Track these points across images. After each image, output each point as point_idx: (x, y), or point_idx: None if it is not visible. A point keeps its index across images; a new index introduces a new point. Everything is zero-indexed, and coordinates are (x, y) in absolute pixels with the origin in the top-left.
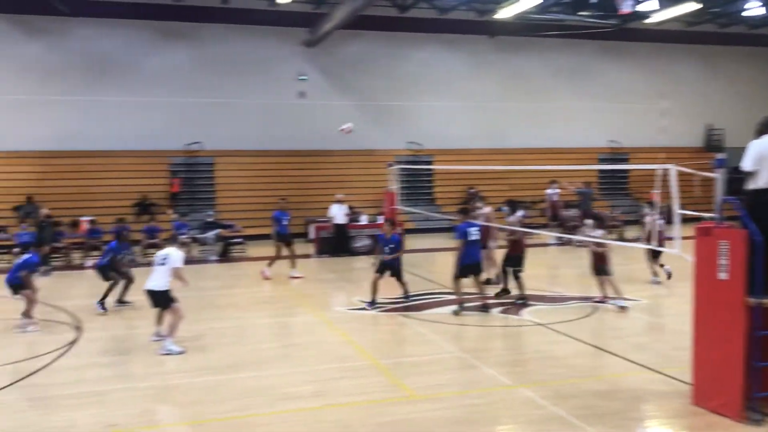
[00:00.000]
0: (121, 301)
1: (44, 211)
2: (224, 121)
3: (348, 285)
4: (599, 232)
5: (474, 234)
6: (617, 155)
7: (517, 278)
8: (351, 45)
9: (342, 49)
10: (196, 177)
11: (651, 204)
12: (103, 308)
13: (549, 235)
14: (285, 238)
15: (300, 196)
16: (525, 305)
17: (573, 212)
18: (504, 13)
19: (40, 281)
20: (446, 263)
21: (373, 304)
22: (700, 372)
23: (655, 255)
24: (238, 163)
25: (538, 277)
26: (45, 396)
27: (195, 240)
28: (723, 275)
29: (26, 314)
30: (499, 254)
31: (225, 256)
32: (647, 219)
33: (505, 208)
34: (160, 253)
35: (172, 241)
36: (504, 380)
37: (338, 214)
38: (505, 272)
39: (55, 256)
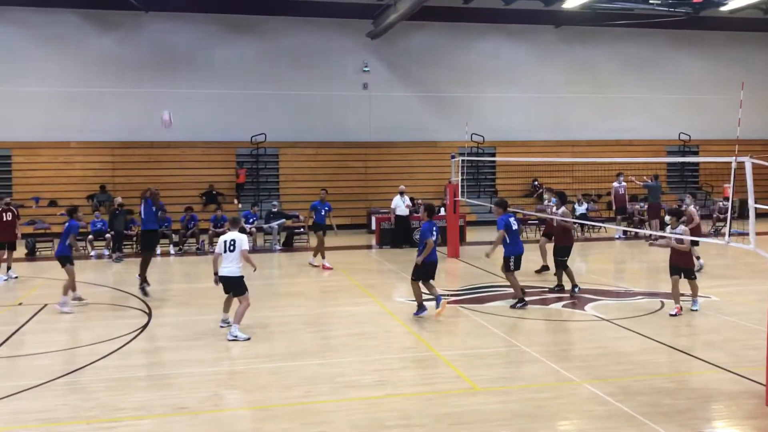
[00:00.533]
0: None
1: (118, 199)
2: (289, 112)
3: (409, 276)
4: (681, 228)
5: (515, 224)
6: (687, 148)
7: (565, 267)
8: (414, 36)
9: (406, 40)
10: (261, 168)
11: (725, 199)
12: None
13: (615, 228)
14: (320, 228)
15: (362, 187)
16: (576, 295)
17: (639, 206)
18: (571, 3)
19: (112, 267)
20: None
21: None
22: None
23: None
24: (302, 154)
25: (603, 271)
26: (118, 377)
27: (260, 229)
28: None
29: (66, 290)
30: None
31: (289, 246)
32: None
33: (554, 200)
34: (226, 239)
35: (233, 225)
36: (568, 375)
37: (400, 205)
38: (557, 265)
39: (127, 243)
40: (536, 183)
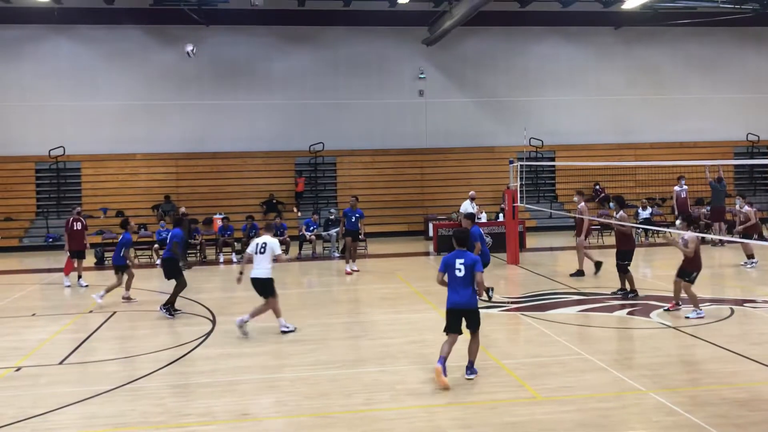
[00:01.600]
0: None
1: (182, 209)
2: (346, 121)
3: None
4: (689, 234)
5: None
6: (756, 148)
7: (626, 272)
8: (470, 41)
9: (461, 45)
10: (320, 176)
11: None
12: None
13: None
14: (352, 234)
15: (419, 194)
16: (636, 299)
17: (705, 210)
18: (630, 3)
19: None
20: (569, 261)
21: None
22: None
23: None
24: (359, 162)
25: (668, 277)
26: (184, 384)
27: (319, 237)
28: None
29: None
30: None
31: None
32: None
33: (612, 205)
34: (258, 242)
35: (266, 229)
36: (634, 384)
37: (470, 210)
38: (619, 269)
39: (192, 252)
40: (598, 187)
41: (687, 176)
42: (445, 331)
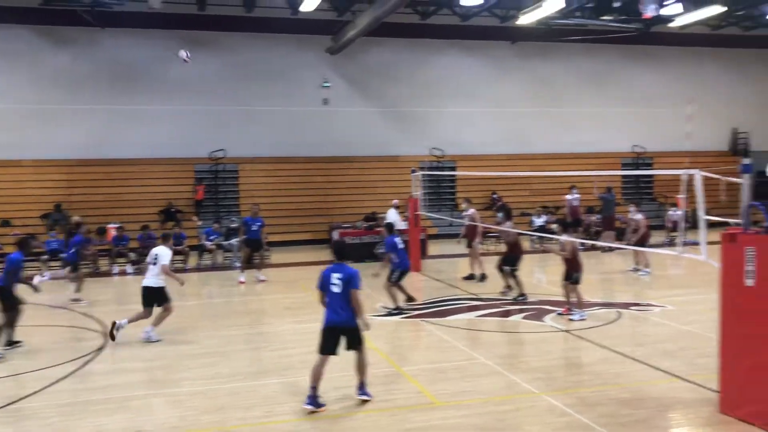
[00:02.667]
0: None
1: (75, 218)
2: (248, 128)
3: (372, 291)
4: (564, 238)
5: (400, 243)
6: (641, 160)
7: (514, 276)
8: (374, 52)
9: (365, 55)
10: (221, 184)
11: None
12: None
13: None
14: (253, 244)
15: (324, 202)
16: (525, 302)
17: (594, 218)
18: (526, 19)
19: (69, 287)
20: (469, 268)
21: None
22: (727, 380)
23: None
24: (262, 169)
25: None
26: (73, 402)
27: (219, 246)
28: (749, 282)
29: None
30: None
31: (249, 263)
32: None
33: (500, 215)
34: (152, 252)
35: (163, 240)
36: (528, 387)
37: (396, 219)
38: (501, 271)
39: (83, 263)
40: (495, 196)
41: (578, 186)
42: (318, 351)
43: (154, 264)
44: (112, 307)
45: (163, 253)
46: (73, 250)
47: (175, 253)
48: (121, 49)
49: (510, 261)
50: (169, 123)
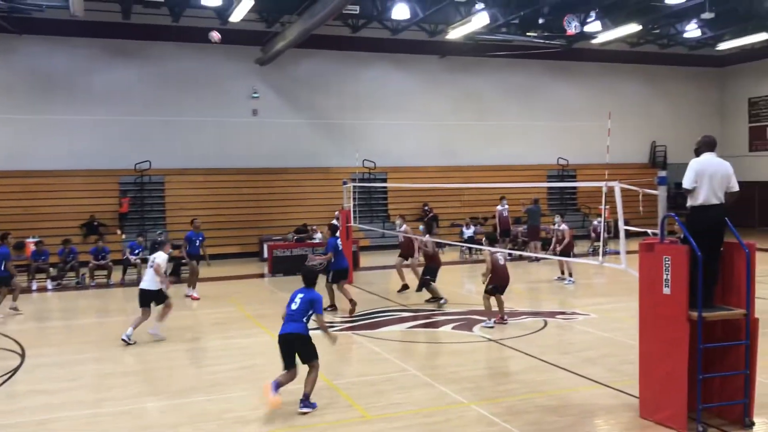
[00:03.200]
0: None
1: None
2: (175, 139)
3: None
4: (485, 251)
5: (341, 245)
6: (565, 172)
7: (428, 285)
8: (304, 63)
9: (295, 67)
10: (146, 196)
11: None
12: None
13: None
14: (195, 258)
15: (254, 214)
16: (445, 304)
17: (522, 228)
18: (454, 34)
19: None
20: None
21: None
22: (646, 385)
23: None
24: (190, 181)
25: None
26: None
27: (145, 261)
28: (666, 290)
29: None
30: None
31: (176, 277)
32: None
33: (422, 228)
34: (152, 257)
35: (161, 245)
36: (457, 397)
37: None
38: (423, 282)
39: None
40: (427, 208)
41: (508, 197)
42: (283, 367)
43: (151, 267)
44: (30, 325)
45: (159, 256)
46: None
47: (98, 267)
48: (40, 57)
49: (430, 271)
50: (91, 133)
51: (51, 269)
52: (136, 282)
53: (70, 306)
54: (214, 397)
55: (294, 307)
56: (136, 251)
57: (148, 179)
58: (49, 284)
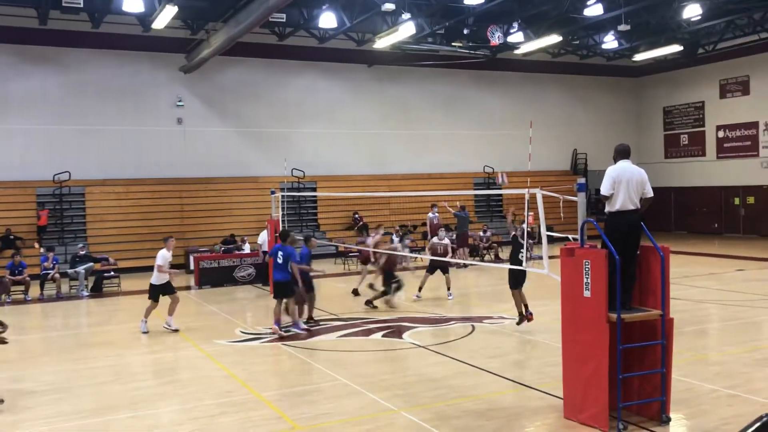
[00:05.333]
0: None
1: None
2: (96, 149)
3: (231, 317)
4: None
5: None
6: (491, 179)
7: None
8: (231, 71)
9: (222, 75)
10: (66, 208)
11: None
12: None
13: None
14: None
15: (179, 225)
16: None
17: (451, 235)
18: (381, 43)
19: None
20: (332, 288)
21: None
22: (569, 386)
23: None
24: (111, 192)
25: (419, 299)
26: None
27: (64, 275)
28: (587, 293)
29: None
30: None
31: (98, 291)
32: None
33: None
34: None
35: (164, 242)
36: (387, 405)
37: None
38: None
39: None
40: (357, 216)
41: (438, 204)
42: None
43: (280, 263)
44: None
45: (160, 254)
46: None
47: (15, 283)
48: None
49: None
50: (6, 143)
51: None
52: (56, 297)
53: None
54: (139, 413)
55: (279, 261)
56: (53, 265)
57: (67, 190)
58: None
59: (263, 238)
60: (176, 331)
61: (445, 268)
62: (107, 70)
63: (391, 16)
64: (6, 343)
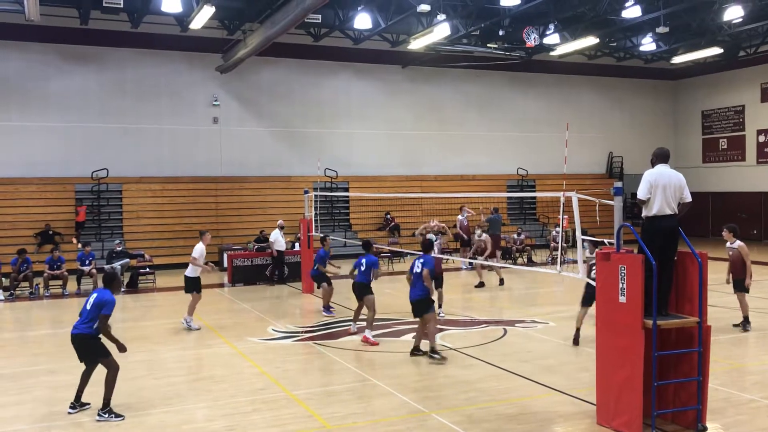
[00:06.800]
0: None
1: None
2: (133, 147)
3: (264, 315)
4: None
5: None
6: (525, 182)
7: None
8: (266, 71)
9: (257, 75)
10: (103, 205)
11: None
12: None
13: (460, 260)
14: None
15: (213, 223)
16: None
17: (483, 237)
18: (415, 44)
19: None
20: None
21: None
22: (603, 392)
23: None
24: (148, 190)
25: (450, 301)
26: None
27: (101, 270)
28: (622, 298)
29: None
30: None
31: (133, 287)
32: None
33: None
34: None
35: (200, 235)
36: (418, 406)
37: (280, 240)
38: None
39: None
40: (389, 217)
41: (468, 206)
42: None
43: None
44: None
45: (196, 248)
46: None
47: (53, 278)
48: None
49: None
50: (46, 141)
51: (3, 279)
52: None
53: (23, 317)
54: (172, 408)
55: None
56: (87, 261)
57: (105, 187)
58: (1, 294)
59: (275, 236)
60: (198, 329)
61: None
62: (146, 70)
63: (426, 17)
64: None
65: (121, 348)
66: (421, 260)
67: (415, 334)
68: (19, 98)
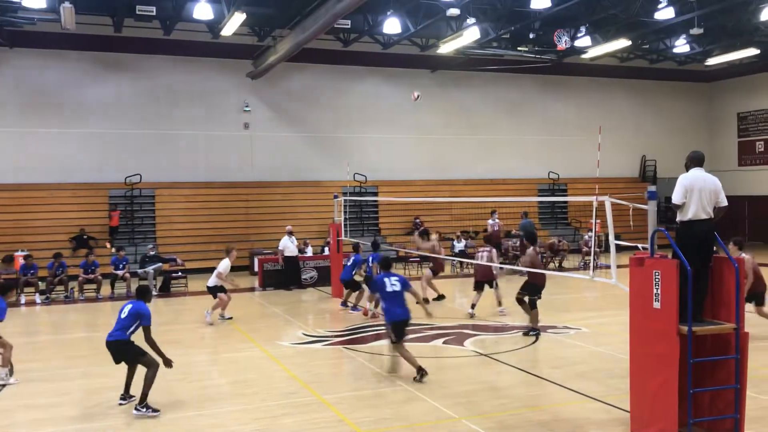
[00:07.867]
0: None
1: None
2: (166, 152)
3: (294, 319)
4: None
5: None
6: (556, 186)
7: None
8: (296, 77)
9: (287, 81)
10: (136, 210)
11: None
12: None
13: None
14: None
15: (244, 228)
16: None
17: (512, 242)
18: (445, 48)
19: None
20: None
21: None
22: (637, 399)
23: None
24: (180, 195)
25: (481, 306)
26: None
27: (134, 274)
28: (657, 304)
29: None
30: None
31: (166, 291)
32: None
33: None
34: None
35: (226, 252)
36: (448, 412)
37: (289, 246)
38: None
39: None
40: (418, 221)
41: (498, 211)
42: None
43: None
44: (18, 340)
45: (222, 263)
46: None
47: (88, 281)
48: (30, 70)
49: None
50: (81, 147)
51: (40, 283)
52: (126, 296)
53: (58, 320)
54: (205, 412)
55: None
56: (121, 265)
57: (138, 192)
58: (38, 298)
59: (284, 242)
60: (211, 324)
61: (491, 282)
62: (178, 76)
63: (455, 21)
64: None
65: (167, 363)
66: (395, 278)
67: (395, 358)
68: (55, 106)
